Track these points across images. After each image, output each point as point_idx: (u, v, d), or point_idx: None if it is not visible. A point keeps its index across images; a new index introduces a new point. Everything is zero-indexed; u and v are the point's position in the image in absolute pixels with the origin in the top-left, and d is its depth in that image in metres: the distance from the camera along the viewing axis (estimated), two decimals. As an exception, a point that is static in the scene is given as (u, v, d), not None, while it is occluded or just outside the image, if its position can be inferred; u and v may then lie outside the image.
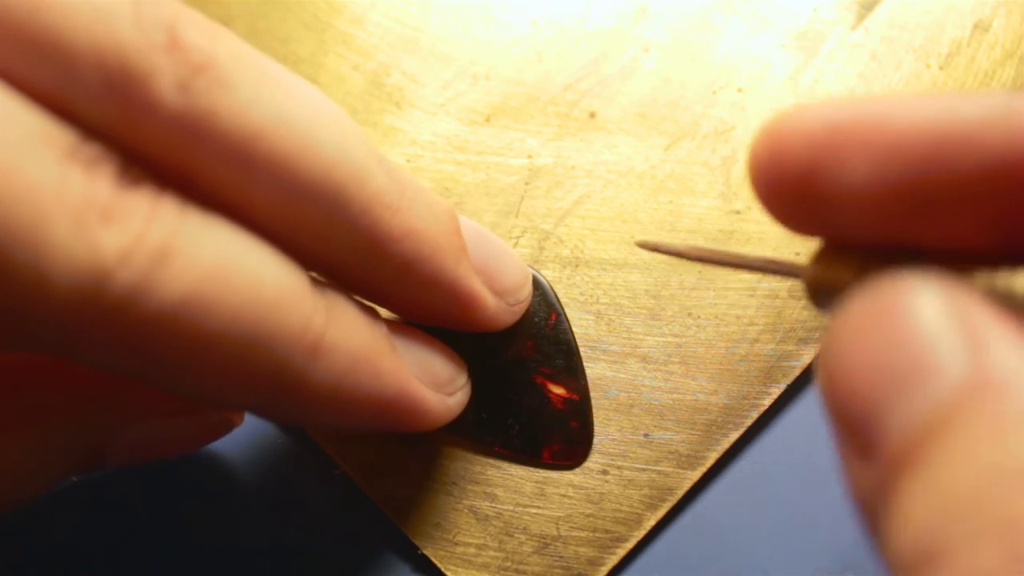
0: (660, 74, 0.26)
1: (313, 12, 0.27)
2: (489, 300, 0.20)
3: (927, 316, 0.11)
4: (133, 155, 0.14)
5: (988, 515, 0.10)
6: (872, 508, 0.11)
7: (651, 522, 0.22)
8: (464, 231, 0.19)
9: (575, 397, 0.21)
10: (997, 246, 0.12)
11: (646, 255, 0.24)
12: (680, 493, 0.22)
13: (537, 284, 0.22)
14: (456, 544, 0.22)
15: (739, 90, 0.26)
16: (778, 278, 0.18)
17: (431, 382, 0.19)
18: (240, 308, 0.15)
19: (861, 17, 0.26)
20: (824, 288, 0.14)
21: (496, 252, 0.20)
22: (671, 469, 0.23)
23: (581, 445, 0.22)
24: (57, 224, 0.13)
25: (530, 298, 0.21)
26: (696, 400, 0.23)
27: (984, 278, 0.12)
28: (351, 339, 0.17)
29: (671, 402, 0.23)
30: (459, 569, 0.22)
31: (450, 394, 0.20)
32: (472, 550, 0.22)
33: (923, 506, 0.10)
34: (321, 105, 0.16)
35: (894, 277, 0.11)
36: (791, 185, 0.13)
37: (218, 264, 0.14)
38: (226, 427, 0.21)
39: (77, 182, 0.13)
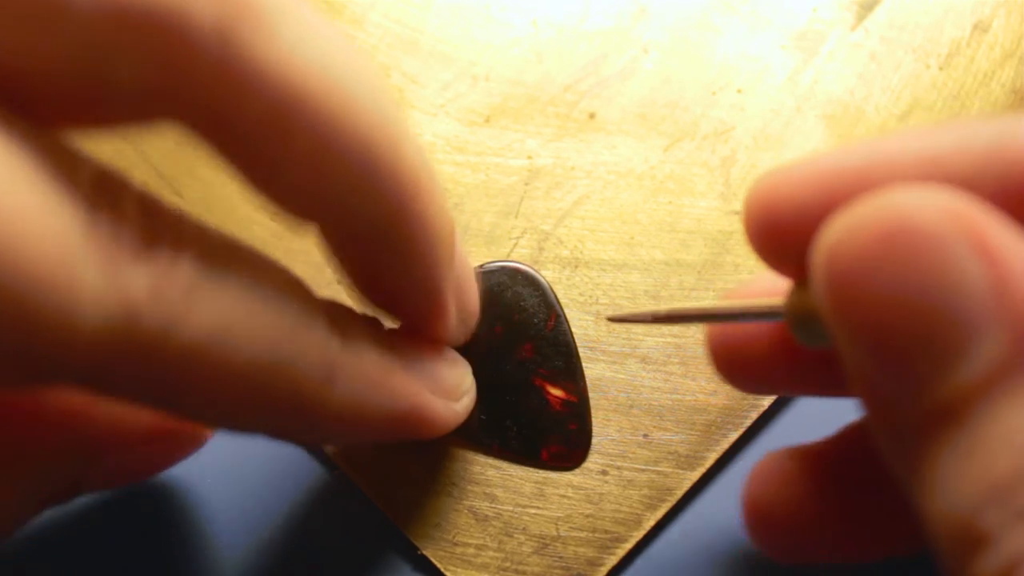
0: (659, 75, 0.26)
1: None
2: (453, 318, 0.20)
3: (952, 258, 0.10)
4: (167, 105, 0.14)
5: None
6: (901, 443, 0.11)
7: (650, 522, 0.22)
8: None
9: (573, 399, 0.21)
10: None
11: (646, 256, 0.24)
12: (679, 493, 0.23)
13: (537, 285, 0.22)
14: (456, 544, 0.22)
15: (738, 91, 0.26)
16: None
17: (440, 391, 0.19)
18: (263, 340, 0.15)
19: (861, 17, 0.26)
20: (809, 317, 0.14)
21: (468, 274, 0.20)
22: (670, 469, 0.23)
23: (579, 447, 0.22)
24: (87, 265, 0.12)
25: (473, 329, 0.21)
26: (695, 400, 0.23)
27: None
28: (364, 362, 0.17)
29: (670, 403, 0.23)
30: (459, 569, 0.22)
31: (457, 400, 0.20)
32: (472, 550, 0.22)
33: (963, 480, 0.10)
34: (359, 57, 0.15)
35: (902, 193, 0.11)
36: (786, 241, 0.14)
37: (241, 300, 0.14)
38: (198, 442, 0.21)
39: (104, 223, 0.13)
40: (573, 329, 0.24)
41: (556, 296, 0.22)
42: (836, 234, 0.11)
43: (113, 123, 0.14)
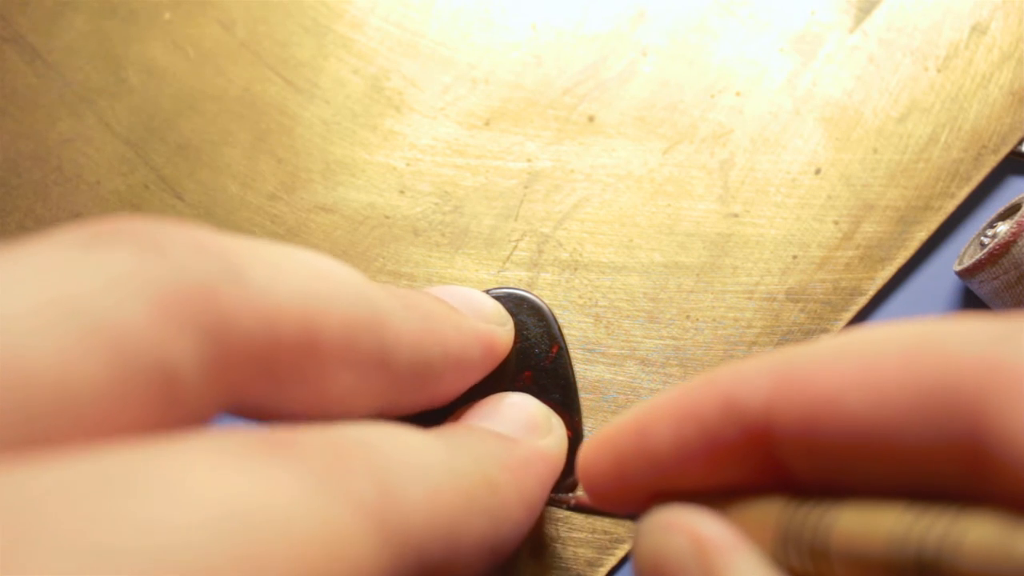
0: (658, 78, 0.26)
1: (313, 16, 0.28)
2: (491, 329, 0.20)
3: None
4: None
5: None
6: None
7: (649, 524, 0.22)
8: (447, 296, 0.20)
9: (569, 433, 0.20)
10: (772, 482, 0.14)
11: (645, 258, 0.25)
12: (678, 495, 0.23)
13: (542, 315, 0.21)
14: (456, 546, 0.23)
15: (737, 93, 0.26)
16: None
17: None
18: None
19: (859, 20, 0.26)
20: None
21: (469, 296, 0.21)
22: (669, 471, 0.23)
23: (570, 483, 0.21)
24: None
25: (512, 326, 0.21)
26: (694, 402, 0.23)
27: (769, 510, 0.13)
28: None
29: (669, 404, 0.23)
30: (459, 570, 0.22)
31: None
32: (472, 552, 0.22)
33: None
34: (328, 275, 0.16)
35: (658, 525, 0.14)
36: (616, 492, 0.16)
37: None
38: None
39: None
40: (573, 331, 0.24)
41: (560, 327, 0.22)
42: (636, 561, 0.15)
43: None
